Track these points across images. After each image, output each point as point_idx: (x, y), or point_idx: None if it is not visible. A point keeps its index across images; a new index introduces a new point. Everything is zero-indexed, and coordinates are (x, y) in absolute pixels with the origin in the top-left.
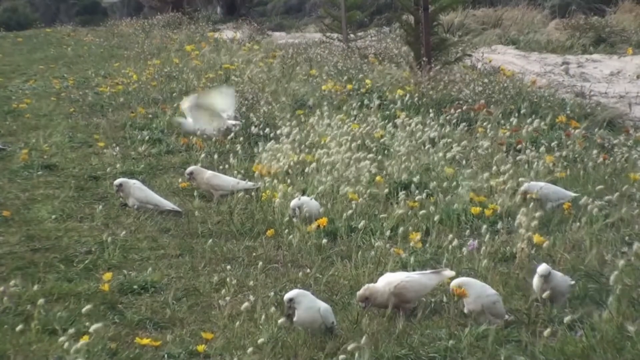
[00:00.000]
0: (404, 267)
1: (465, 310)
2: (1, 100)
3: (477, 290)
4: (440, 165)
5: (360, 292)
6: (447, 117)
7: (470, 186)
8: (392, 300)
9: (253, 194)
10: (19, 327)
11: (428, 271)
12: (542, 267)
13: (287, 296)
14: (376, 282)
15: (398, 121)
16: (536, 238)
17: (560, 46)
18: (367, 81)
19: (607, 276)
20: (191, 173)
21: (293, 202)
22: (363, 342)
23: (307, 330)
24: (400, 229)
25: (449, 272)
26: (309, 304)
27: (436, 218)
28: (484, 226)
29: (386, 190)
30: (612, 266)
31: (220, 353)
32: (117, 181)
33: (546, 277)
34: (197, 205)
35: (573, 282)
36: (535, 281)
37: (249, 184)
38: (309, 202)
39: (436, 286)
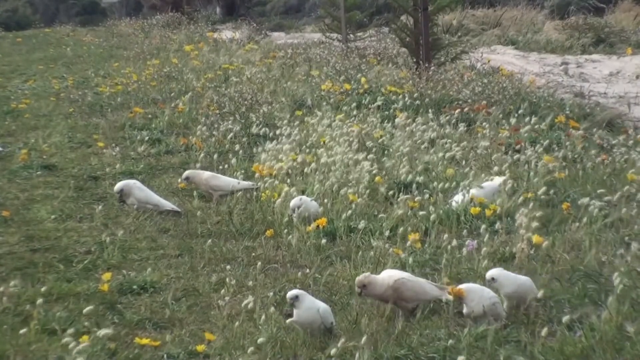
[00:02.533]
0: (403, 267)
1: (465, 311)
2: (0, 100)
3: (478, 294)
4: (439, 166)
5: (360, 278)
6: (447, 117)
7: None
8: (390, 294)
9: (254, 193)
10: (19, 328)
11: (433, 283)
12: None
13: (290, 294)
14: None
15: (397, 121)
16: (535, 238)
17: (559, 46)
18: (363, 80)
19: (607, 276)
20: (187, 178)
21: (293, 202)
22: (362, 342)
23: (307, 331)
24: (400, 229)
25: (448, 295)
26: (309, 304)
27: (435, 218)
28: (483, 226)
29: (390, 192)
30: (611, 266)
31: (219, 353)
32: (118, 188)
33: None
34: (197, 206)
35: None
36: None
37: (248, 183)
38: (308, 203)
39: (436, 297)
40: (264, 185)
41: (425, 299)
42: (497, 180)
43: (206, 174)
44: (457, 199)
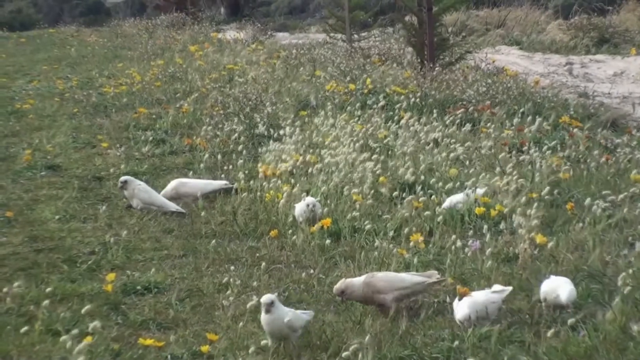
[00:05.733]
0: (407, 267)
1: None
2: (5, 101)
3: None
4: (443, 166)
5: (337, 286)
6: (451, 118)
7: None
8: (366, 291)
9: (258, 194)
10: (23, 328)
11: (417, 273)
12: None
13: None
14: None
15: (402, 121)
16: (539, 238)
17: (563, 46)
18: (367, 80)
19: (610, 277)
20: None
21: (303, 204)
22: (366, 343)
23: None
24: (405, 230)
25: (437, 277)
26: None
27: (440, 219)
28: (485, 226)
29: (395, 193)
30: (615, 267)
31: (223, 354)
32: (122, 178)
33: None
34: (201, 206)
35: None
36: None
37: (222, 182)
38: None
39: (418, 284)
40: (268, 186)
41: (403, 286)
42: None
43: (173, 182)
44: (455, 199)
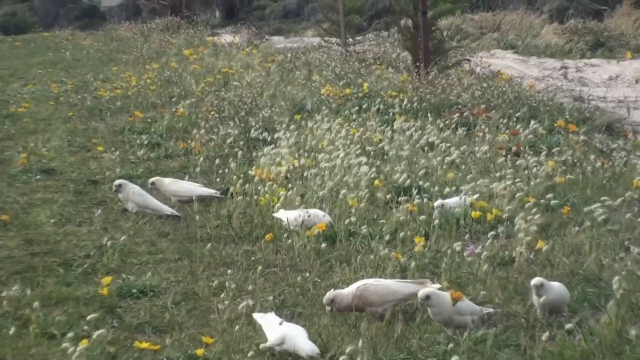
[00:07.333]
0: (403, 271)
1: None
2: None
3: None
4: (439, 170)
5: (326, 295)
6: (446, 122)
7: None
8: (357, 302)
9: (254, 197)
10: (18, 331)
11: (409, 280)
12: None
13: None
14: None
15: (397, 125)
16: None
17: (558, 50)
18: (364, 85)
19: (606, 280)
20: (153, 183)
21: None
22: (361, 346)
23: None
24: (400, 234)
25: (432, 285)
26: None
27: (435, 222)
28: (491, 233)
29: (388, 196)
30: (610, 271)
31: (219, 357)
32: (117, 182)
33: None
34: (196, 210)
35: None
36: None
37: (211, 191)
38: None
39: (411, 294)
40: (263, 189)
41: (395, 298)
42: None
43: (168, 179)
44: (450, 202)
